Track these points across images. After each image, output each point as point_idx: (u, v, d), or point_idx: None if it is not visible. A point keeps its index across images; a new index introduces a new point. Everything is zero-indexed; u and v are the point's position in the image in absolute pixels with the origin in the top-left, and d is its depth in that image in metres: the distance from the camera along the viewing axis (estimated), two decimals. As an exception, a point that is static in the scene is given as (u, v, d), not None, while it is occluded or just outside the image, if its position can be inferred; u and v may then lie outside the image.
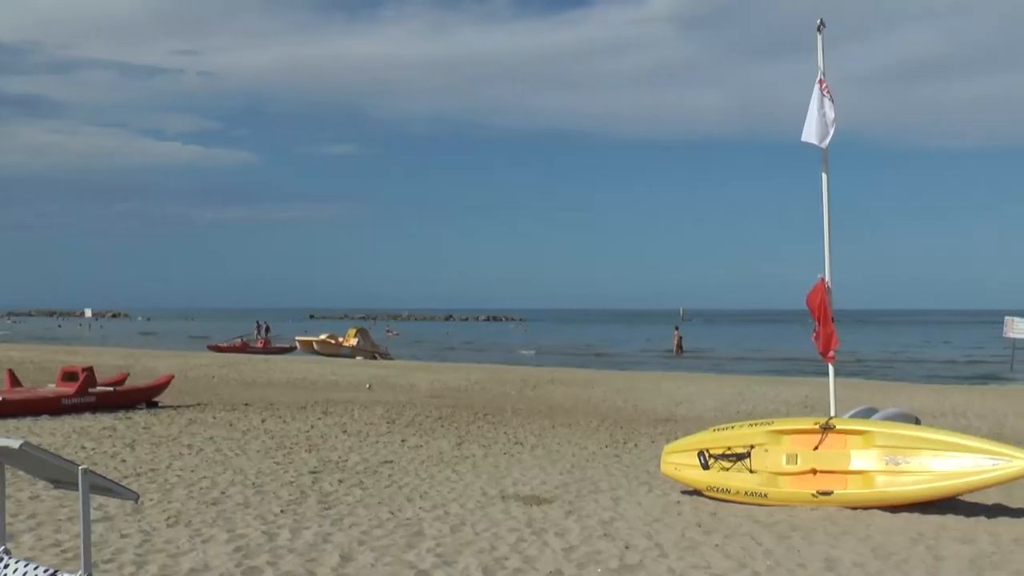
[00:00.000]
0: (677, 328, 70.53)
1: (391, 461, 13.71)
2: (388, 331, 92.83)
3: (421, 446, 15.35)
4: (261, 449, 14.39)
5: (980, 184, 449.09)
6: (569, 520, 9.87)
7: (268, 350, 53.95)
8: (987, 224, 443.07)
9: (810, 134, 11.85)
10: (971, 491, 10.39)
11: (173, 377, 21.62)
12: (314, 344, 51.72)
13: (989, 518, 10.18)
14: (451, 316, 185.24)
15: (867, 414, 12.36)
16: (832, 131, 11.74)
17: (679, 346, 64.83)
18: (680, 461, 11.68)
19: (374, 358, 48.95)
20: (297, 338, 55.43)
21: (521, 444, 15.94)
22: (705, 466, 11.41)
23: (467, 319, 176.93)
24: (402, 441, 15.80)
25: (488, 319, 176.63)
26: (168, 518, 9.46)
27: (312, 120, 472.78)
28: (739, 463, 11.23)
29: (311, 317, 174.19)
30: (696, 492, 11.49)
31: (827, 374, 12.38)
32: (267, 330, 62.54)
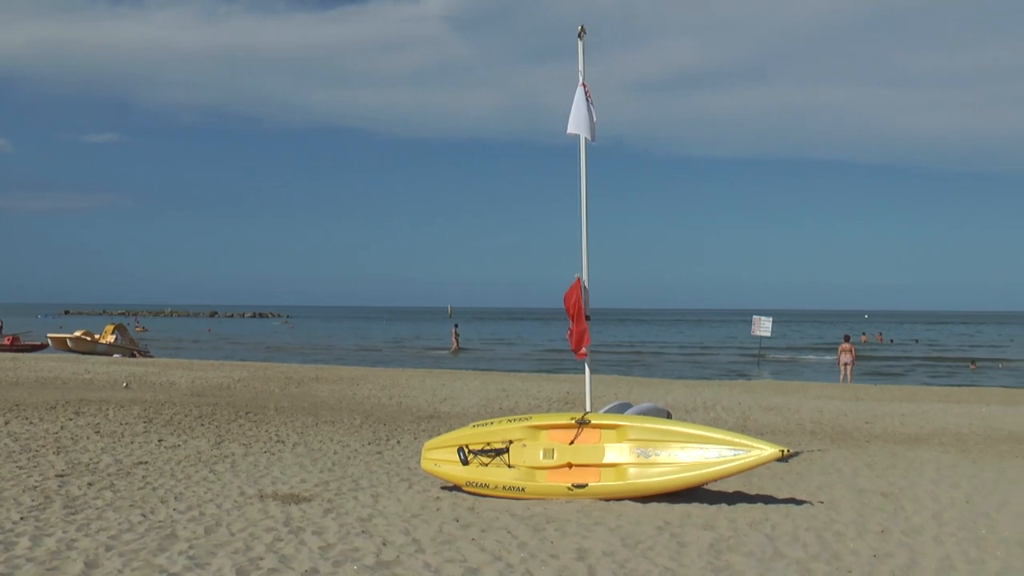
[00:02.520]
0: (456, 326, 71.19)
1: (146, 462, 13.21)
2: (137, 327, 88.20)
3: (179, 446, 14.87)
4: (2, 452, 13.56)
5: (736, 191, 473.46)
6: (328, 518, 9.78)
7: (16, 347, 50.87)
8: (740, 228, 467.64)
9: (577, 126, 12.18)
10: (715, 480, 10.94)
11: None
12: (68, 341, 49.14)
13: (730, 505, 10.76)
14: (216, 313, 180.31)
15: (621, 409, 12.86)
16: (594, 134, 12.12)
17: (456, 343, 65.52)
18: (440, 457, 11.77)
19: (133, 356, 47.02)
20: (49, 335, 52.53)
21: (283, 442, 15.69)
22: (464, 462, 11.55)
23: (232, 316, 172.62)
24: (159, 441, 15.25)
25: (254, 316, 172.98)
26: None
27: (73, 106, 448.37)
28: (498, 458, 11.43)
29: (66, 313, 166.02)
30: (456, 488, 11.61)
31: (591, 370, 12.76)
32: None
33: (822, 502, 11.19)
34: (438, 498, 11.14)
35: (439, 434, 14.23)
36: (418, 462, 12.59)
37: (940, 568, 8.32)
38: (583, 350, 12.18)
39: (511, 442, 11.48)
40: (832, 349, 46.89)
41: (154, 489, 11.25)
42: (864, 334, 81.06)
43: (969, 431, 19.02)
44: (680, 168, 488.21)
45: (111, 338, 50.30)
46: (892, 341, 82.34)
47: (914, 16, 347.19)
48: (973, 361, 53.60)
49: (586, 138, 12.19)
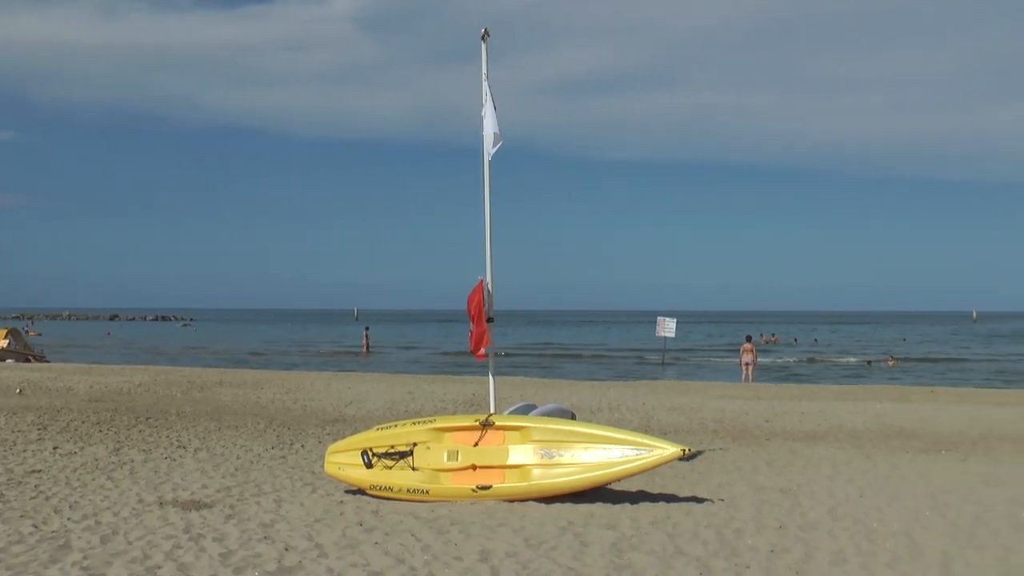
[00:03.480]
0: (367, 328, 70.75)
1: (40, 470, 12.89)
2: (29, 331, 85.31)
3: (75, 453, 14.53)
4: None
5: (643, 193, 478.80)
6: (229, 524, 9.66)
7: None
8: (646, 230, 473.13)
9: (493, 139, 12.25)
10: (618, 480, 11.07)
11: None
12: (-44, 347, 47.50)
13: (632, 504, 10.90)
14: (116, 315, 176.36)
15: (526, 410, 12.93)
16: (493, 138, 12.16)
17: (367, 345, 65.14)
18: (344, 461, 11.72)
19: (27, 360, 45.65)
20: (-63, 340, 50.73)
21: (184, 448, 15.43)
22: (368, 465, 11.51)
23: (134, 319, 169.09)
24: (54, 448, 14.88)
25: (156, 318, 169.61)
26: None
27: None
28: (402, 461, 11.41)
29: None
30: (360, 491, 11.57)
31: (497, 372, 12.80)
32: None
33: (722, 500, 11.39)
34: (342, 502, 11.08)
35: (344, 438, 14.12)
36: (322, 466, 12.50)
37: (834, 561, 8.54)
38: (482, 351, 12.21)
39: (415, 445, 11.48)
40: (735, 350, 47.67)
41: (48, 498, 10.99)
42: (763, 335, 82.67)
43: (864, 428, 19.52)
44: (588, 170, 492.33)
45: (3, 343, 48.77)
46: (796, 340, 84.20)
47: (816, 23, 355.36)
48: (889, 357, 55.29)
49: (495, 144, 12.23)
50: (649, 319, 66.97)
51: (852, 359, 60.15)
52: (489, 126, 12.12)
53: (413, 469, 11.37)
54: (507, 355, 57.44)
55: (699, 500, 11.33)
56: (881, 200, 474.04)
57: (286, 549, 8.65)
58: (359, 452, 11.64)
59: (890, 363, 53.81)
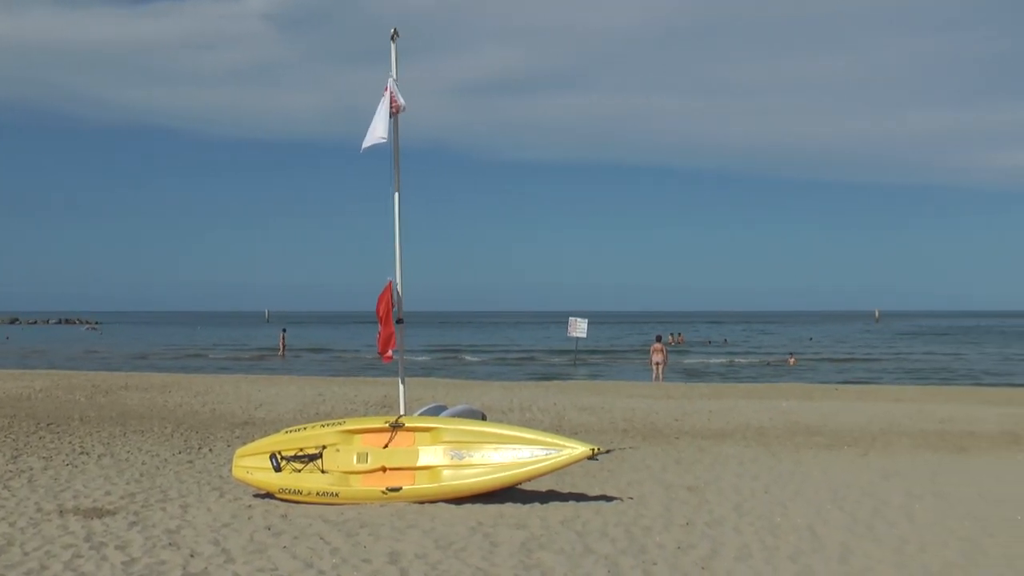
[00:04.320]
0: (284, 330, 69.86)
1: (-66, 479, 12.50)
2: None
3: (-29, 461, 14.11)
4: None
5: (556, 195, 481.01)
6: (133, 531, 9.48)
7: None
8: (559, 231, 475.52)
9: (375, 136, 12.15)
10: (528, 479, 11.13)
11: None
12: None
13: (542, 504, 10.97)
14: (17, 319, 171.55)
15: (436, 411, 12.91)
16: (386, 137, 12.05)
17: (283, 347, 64.35)
18: (252, 464, 11.58)
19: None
20: None
21: (87, 454, 15.10)
22: (277, 468, 11.40)
23: (36, 322, 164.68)
24: (-51, 457, 14.45)
25: (60, 322, 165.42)
26: None
27: None
28: (311, 464, 11.32)
29: None
30: (268, 495, 11.44)
31: (408, 373, 12.77)
32: None
33: (632, 498, 11.53)
34: (250, 506, 10.96)
35: (253, 441, 13.95)
36: (230, 470, 12.33)
37: (738, 556, 8.70)
38: (389, 353, 12.17)
39: (324, 447, 11.40)
40: (645, 350, 48.19)
41: (-58, 508, 10.67)
42: (671, 335, 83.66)
43: (770, 425, 19.90)
44: (500, 171, 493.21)
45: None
46: (709, 342, 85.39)
47: (721, 29, 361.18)
48: (791, 356, 56.38)
49: (375, 142, 12.12)
50: (560, 319, 67.33)
51: (758, 359, 61.19)
52: (379, 122, 12.02)
53: (322, 472, 11.29)
54: (416, 356, 57.25)
55: (608, 499, 11.44)
56: (787, 202, 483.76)
57: (192, 555, 8.52)
58: (268, 455, 11.52)
59: (791, 362, 54.81)
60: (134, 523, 9.90)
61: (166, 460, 14.61)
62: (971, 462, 15.07)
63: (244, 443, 14.88)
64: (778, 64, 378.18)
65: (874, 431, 18.90)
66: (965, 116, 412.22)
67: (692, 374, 47.05)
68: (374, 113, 12.13)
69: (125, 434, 17.61)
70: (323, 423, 11.92)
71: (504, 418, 20.46)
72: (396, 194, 12.42)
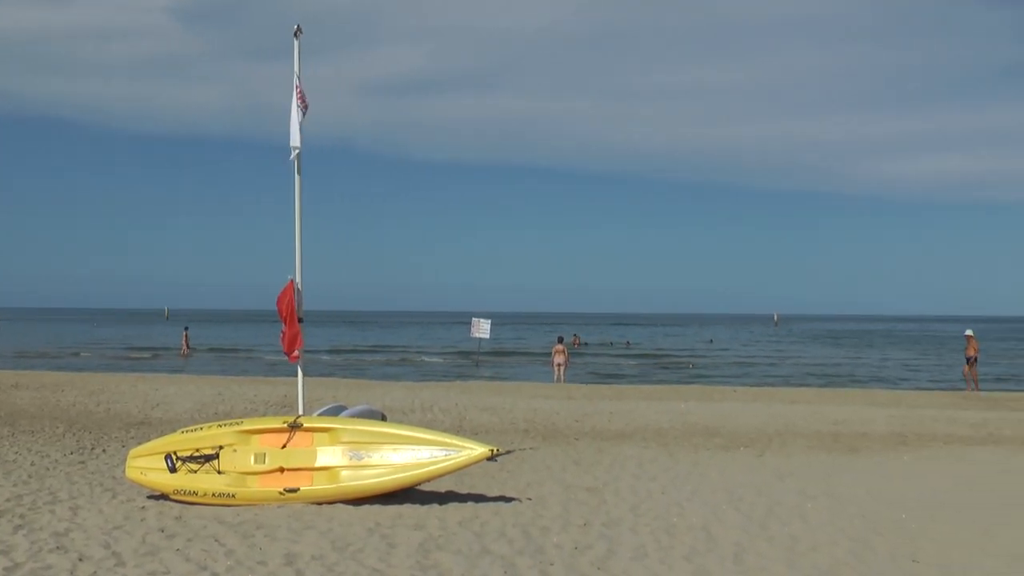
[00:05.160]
0: (186, 328, 68.52)
1: None
2: None
3: None
4: None
5: (462, 195, 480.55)
6: (18, 535, 9.21)
7: None
8: (461, 232, 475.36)
9: (295, 139, 12.14)
10: (427, 480, 11.11)
11: None
12: None
13: (441, 504, 10.96)
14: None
15: (336, 412, 12.81)
16: (299, 136, 12.04)
17: (186, 346, 63.11)
18: (147, 465, 11.36)
19: None
20: None
21: (-27, 455, 14.64)
22: (173, 469, 11.20)
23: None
24: None
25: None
26: None
27: None
28: (207, 464, 11.15)
29: None
30: (163, 496, 11.23)
31: (309, 373, 12.65)
32: None
33: (531, 499, 11.58)
34: (143, 508, 10.74)
35: (148, 441, 13.67)
36: (124, 471, 12.06)
37: (634, 556, 8.80)
38: (295, 353, 12.09)
39: (221, 447, 11.24)
40: (548, 351, 48.46)
41: None
42: (574, 336, 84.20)
43: (669, 426, 20.17)
44: (407, 171, 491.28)
45: None
46: (611, 343, 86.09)
47: (630, 34, 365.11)
48: (690, 363, 57.12)
49: (293, 146, 12.15)
50: (464, 320, 67.34)
51: (658, 360, 61.96)
52: (296, 131, 12.02)
53: (219, 472, 11.12)
54: (318, 356, 56.73)
55: (507, 499, 11.48)
56: (691, 206, 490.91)
57: (80, 559, 8.32)
58: (163, 456, 11.32)
59: (689, 365, 55.54)
60: (19, 526, 9.62)
61: (57, 461, 14.24)
62: (862, 462, 15.47)
63: (139, 443, 14.58)
64: (682, 70, 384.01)
65: (770, 432, 19.29)
66: (859, 125, 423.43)
67: (595, 375, 47.44)
68: (288, 113, 12.06)
69: (14, 435, 17.13)
70: (221, 423, 11.75)
71: (405, 418, 20.39)
72: (297, 192, 12.32)
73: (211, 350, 69.01)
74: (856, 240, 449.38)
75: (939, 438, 18.92)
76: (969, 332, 36.52)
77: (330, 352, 66.39)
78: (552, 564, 8.47)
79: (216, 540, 9.08)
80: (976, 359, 35.93)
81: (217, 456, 11.19)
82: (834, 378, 47.12)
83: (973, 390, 34.30)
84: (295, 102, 12.13)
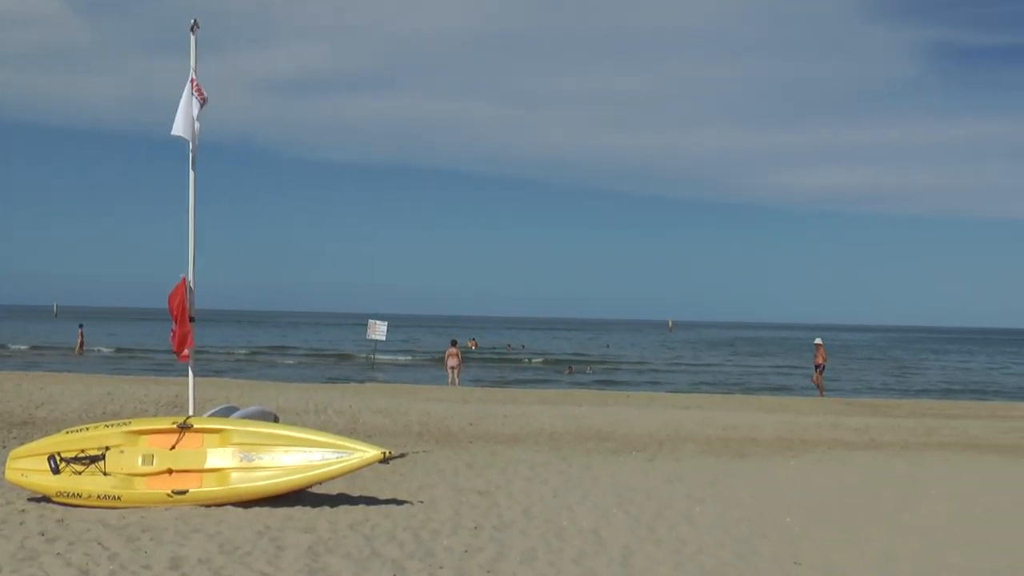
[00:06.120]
0: (81, 326, 66.63)
1: None
2: None
3: None
4: None
5: (361, 196, 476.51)
6: None
7: None
8: (362, 232, 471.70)
9: (179, 128, 11.96)
10: (318, 482, 11.06)
11: None
12: None
13: (332, 507, 10.91)
14: None
15: (227, 412, 12.66)
16: (196, 131, 11.89)
17: (81, 344, 61.37)
18: (28, 466, 11.04)
19: None
20: None
21: None
22: (56, 470, 10.91)
23: None
24: None
25: None
26: None
27: None
28: (92, 466, 10.90)
29: None
30: (45, 499, 10.95)
31: (202, 373, 12.47)
32: None
33: (422, 501, 11.60)
34: (23, 511, 10.45)
35: (31, 442, 13.28)
36: (3, 473, 11.72)
37: (524, 559, 8.88)
38: (185, 352, 11.92)
39: (108, 448, 11.00)
40: (443, 353, 48.45)
41: None
42: (470, 340, 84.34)
43: (563, 430, 20.36)
44: (305, 170, 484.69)
45: None
46: (509, 347, 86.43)
47: (531, 38, 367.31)
48: (569, 366, 57.33)
49: (187, 141, 12.01)
50: (360, 321, 66.97)
51: (553, 364, 62.39)
52: (188, 124, 11.85)
53: (105, 474, 10.88)
54: (211, 355, 55.85)
55: (399, 502, 11.48)
56: (590, 212, 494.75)
57: (-46, 564, 8.08)
58: (46, 457, 11.01)
59: (572, 371, 55.25)
60: None
61: (-68, 461, 13.75)
62: (750, 467, 15.84)
63: (21, 444, 14.17)
64: (582, 76, 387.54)
65: (662, 437, 19.61)
66: (757, 137, 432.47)
67: (489, 379, 47.56)
68: (181, 109, 11.92)
69: None
70: (108, 423, 11.50)
71: (299, 420, 20.19)
72: (192, 188, 12.16)
73: (107, 348, 67.38)
74: (752, 249, 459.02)
75: (824, 443, 19.47)
76: (818, 340, 37.95)
77: (223, 351, 65.35)
78: (442, 567, 8.50)
79: (99, 543, 8.89)
80: (824, 367, 37.36)
81: (103, 457, 10.94)
82: (725, 383, 48.09)
83: (823, 396, 35.51)
84: (189, 93, 11.96)
